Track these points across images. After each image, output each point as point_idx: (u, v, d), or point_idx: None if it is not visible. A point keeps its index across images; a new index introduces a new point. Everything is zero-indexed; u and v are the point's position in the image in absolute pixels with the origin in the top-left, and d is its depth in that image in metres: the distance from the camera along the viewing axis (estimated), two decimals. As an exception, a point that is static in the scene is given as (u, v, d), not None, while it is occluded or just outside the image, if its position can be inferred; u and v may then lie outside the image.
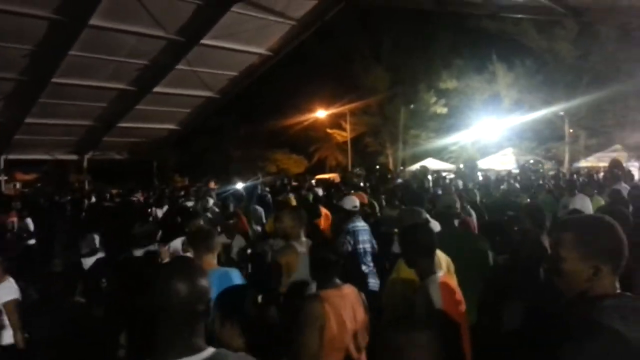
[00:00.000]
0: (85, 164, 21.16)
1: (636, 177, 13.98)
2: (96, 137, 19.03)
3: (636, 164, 18.46)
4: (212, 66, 15.05)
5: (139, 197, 13.44)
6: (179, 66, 14.24)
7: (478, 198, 8.19)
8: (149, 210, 9.94)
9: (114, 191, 16.35)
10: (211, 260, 3.48)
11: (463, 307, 2.86)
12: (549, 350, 1.71)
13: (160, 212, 9.76)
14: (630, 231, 1.86)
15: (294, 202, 6.93)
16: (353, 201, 5.66)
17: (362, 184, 13.21)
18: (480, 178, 16.89)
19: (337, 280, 2.85)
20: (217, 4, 11.89)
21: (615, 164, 12.70)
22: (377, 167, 32.65)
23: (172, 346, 1.47)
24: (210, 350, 1.50)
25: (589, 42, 22.71)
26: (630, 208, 4.88)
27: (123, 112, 16.94)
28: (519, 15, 13.44)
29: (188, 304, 1.48)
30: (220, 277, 3.20)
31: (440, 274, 2.88)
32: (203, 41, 13.17)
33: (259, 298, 3.47)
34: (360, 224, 5.47)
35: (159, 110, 17.56)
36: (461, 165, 17.43)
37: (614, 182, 9.26)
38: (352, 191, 8.69)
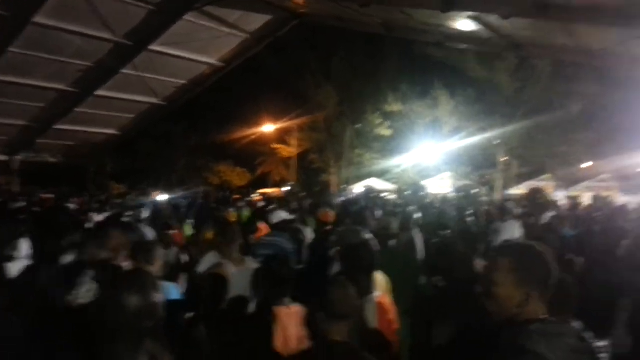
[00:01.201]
0: (16, 165, 20.06)
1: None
2: (30, 138, 18.13)
3: (563, 193, 19.55)
4: (160, 73, 14.72)
5: (75, 203, 12.80)
6: (125, 70, 13.88)
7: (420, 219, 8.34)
8: (87, 215, 9.55)
9: (46, 196, 15.54)
10: (150, 273, 3.38)
11: (396, 325, 2.96)
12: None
13: (99, 218, 9.37)
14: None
15: (234, 218, 6.85)
16: (277, 216, 5.81)
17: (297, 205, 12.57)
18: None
19: (287, 299, 2.90)
20: (169, 11, 11.73)
21: (536, 192, 13.15)
22: (318, 186, 32.73)
23: None
24: None
25: (527, 76, 23.96)
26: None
27: (61, 113, 16.24)
28: (464, 45, 14.03)
29: (135, 320, 1.38)
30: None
31: (377, 294, 2.97)
32: (152, 47, 12.92)
33: (188, 315, 3.42)
34: (267, 239, 5.42)
35: (100, 114, 16.98)
36: (408, 192, 17.69)
37: (542, 210, 9.73)
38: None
